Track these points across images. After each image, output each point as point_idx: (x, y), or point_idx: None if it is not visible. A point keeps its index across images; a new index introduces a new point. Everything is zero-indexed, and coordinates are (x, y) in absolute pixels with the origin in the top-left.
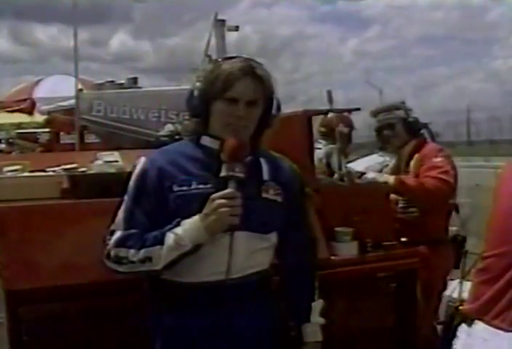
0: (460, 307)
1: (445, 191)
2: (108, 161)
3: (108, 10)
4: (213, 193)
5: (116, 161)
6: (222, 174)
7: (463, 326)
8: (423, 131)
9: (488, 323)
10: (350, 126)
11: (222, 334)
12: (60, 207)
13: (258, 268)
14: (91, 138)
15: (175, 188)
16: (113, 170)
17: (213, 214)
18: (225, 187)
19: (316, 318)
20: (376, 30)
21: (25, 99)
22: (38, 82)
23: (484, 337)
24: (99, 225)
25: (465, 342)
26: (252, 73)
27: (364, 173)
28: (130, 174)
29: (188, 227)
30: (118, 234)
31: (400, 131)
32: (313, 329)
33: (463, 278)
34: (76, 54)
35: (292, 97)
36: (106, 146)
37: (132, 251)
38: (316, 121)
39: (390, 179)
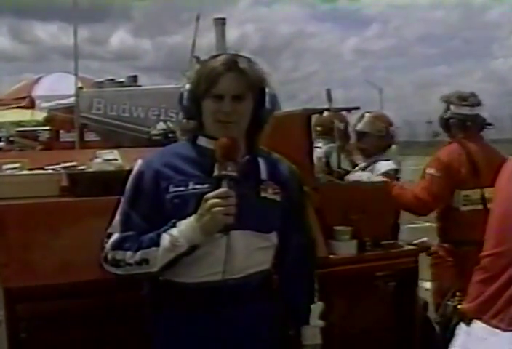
0: (459, 306)
1: (418, 210)
2: (107, 159)
3: (107, 8)
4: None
5: (116, 159)
6: (215, 173)
7: (462, 325)
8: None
9: (486, 322)
10: (345, 121)
11: (221, 334)
12: (58, 205)
13: (259, 268)
14: (91, 136)
15: (172, 189)
16: (112, 168)
17: (207, 214)
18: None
19: (316, 321)
20: (376, 29)
21: (24, 97)
22: (38, 80)
23: (482, 336)
24: (98, 223)
25: (464, 341)
26: (235, 67)
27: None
28: (129, 172)
29: (183, 228)
30: (114, 237)
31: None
32: (312, 331)
33: None
34: (76, 52)
35: (293, 95)
36: (106, 144)
37: (129, 253)
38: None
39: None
